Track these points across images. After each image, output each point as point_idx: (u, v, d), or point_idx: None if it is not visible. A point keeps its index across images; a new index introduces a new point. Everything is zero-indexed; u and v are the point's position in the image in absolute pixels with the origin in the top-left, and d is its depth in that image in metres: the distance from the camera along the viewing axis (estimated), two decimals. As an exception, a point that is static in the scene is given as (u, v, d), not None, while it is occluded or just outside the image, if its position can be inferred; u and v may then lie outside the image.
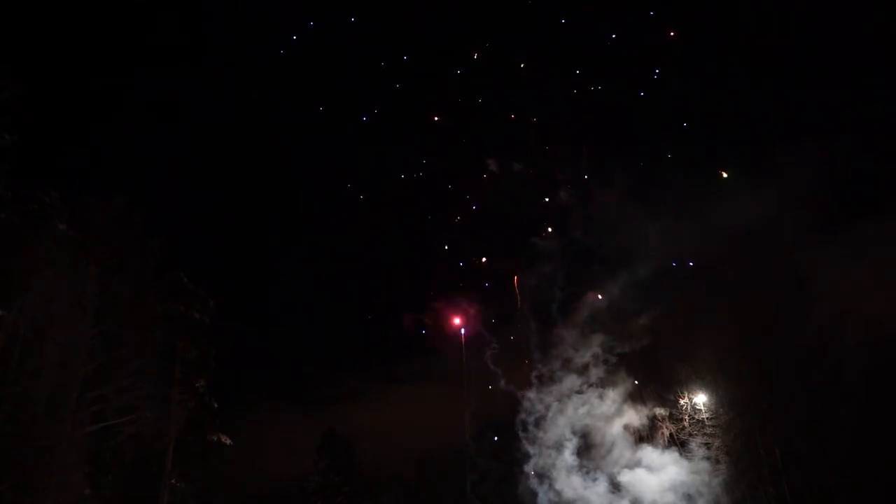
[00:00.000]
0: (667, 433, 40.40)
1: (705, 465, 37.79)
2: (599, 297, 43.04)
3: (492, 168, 46.76)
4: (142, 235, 30.32)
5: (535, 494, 41.13)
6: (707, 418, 38.55)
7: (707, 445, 38.07)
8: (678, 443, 39.65)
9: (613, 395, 41.29)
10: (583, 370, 41.90)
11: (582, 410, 41.45)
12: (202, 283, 36.38)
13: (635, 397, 41.35)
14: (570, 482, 40.54)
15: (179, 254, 35.18)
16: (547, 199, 45.53)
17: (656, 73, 47.03)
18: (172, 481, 33.91)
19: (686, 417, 39.26)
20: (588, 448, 41.37)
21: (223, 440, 36.49)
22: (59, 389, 26.39)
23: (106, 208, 29.24)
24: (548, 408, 42.16)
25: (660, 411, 40.75)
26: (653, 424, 41.09)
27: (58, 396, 26.39)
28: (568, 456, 41.22)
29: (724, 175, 44.30)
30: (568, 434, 41.58)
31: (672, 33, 47.67)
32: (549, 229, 44.41)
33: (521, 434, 42.52)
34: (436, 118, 49.14)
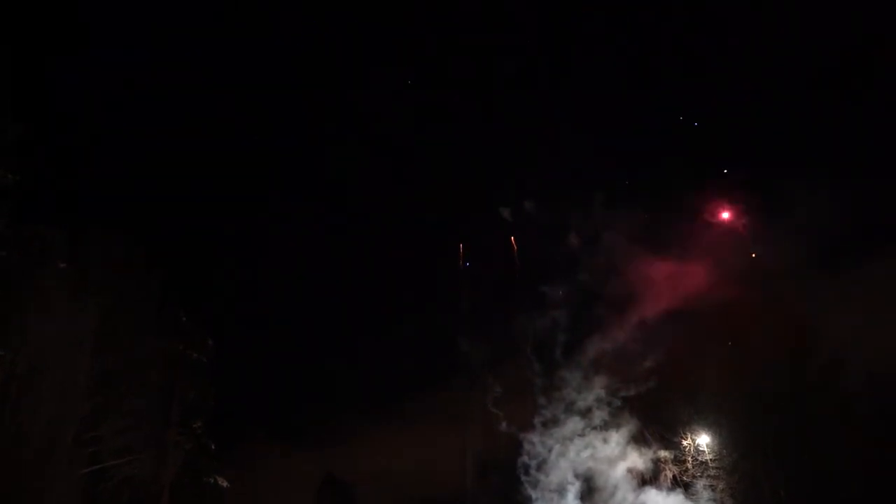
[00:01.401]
0: (670, 475, 39.93)
1: (711, 507, 37.35)
2: (602, 339, 42.94)
3: (505, 216, 46.71)
4: (142, 274, 30.38)
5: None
6: (710, 459, 38.18)
7: (711, 487, 37.63)
8: (682, 485, 39.16)
9: (617, 437, 40.94)
10: (586, 412, 41.63)
11: (585, 453, 41.08)
12: (201, 321, 36.26)
13: (638, 439, 41.00)
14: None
15: (179, 292, 35.09)
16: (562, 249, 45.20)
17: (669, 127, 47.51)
18: (168, 524, 33.35)
19: (689, 459, 38.89)
20: (591, 491, 40.88)
21: (220, 482, 36.01)
22: (55, 429, 26.14)
23: (107, 246, 29.34)
24: (550, 450, 41.79)
25: (663, 453, 40.34)
26: (656, 466, 40.65)
27: (54, 436, 26.14)
28: (571, 500, 40.73)
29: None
30: (570, 477, 41.16)
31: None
32: (560, 291, 44.26)
33: (523, 477, 42.11)
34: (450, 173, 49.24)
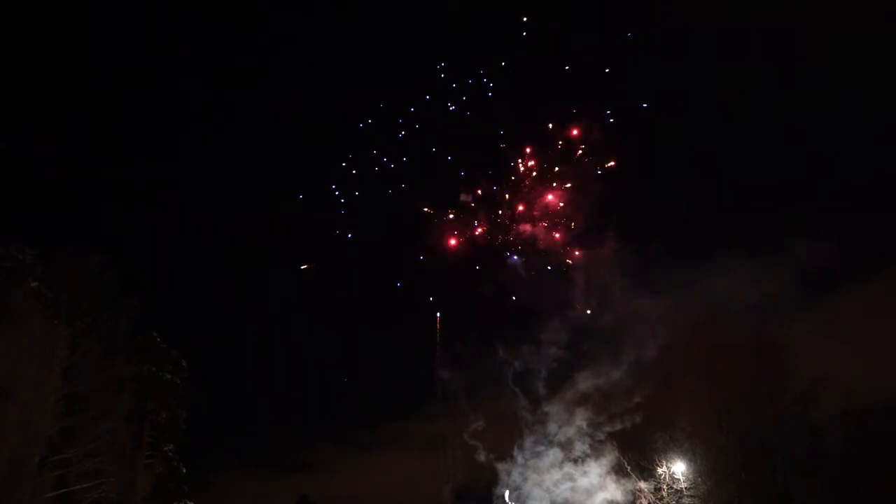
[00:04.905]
0: (645, 503, 39.85)
1: (686, 536, 37.23)
2: (582, 371, 43.03)
3: (511, 264, 46.82)
4: (116, 295, 29.92)
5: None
6: (685, 488, 38.12)
7: (686, 515, 37.59)
8: (657, 513, 39.09)
9: (595, 467, 40.87)
10: (566, 445, 41.62)
11: (564, 486, 41.00)
12: (175, 343, 35.85)
13: (616, 467, 40.94)
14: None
15: (154, 313, 34.76)
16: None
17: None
18: (137, 550, 32.64)
19: (664, 487, 38.81)
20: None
21: (190, 507, 35.46)
22: (21, 453, 25.59)
23: (80, 267, 28.89)
24: (527, 481, 41.68)
25: (641, 484, 40.26)
26: (633, 495, 40.54)
27: (19, 460, 25.58)
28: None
29: None
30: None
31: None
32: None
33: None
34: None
